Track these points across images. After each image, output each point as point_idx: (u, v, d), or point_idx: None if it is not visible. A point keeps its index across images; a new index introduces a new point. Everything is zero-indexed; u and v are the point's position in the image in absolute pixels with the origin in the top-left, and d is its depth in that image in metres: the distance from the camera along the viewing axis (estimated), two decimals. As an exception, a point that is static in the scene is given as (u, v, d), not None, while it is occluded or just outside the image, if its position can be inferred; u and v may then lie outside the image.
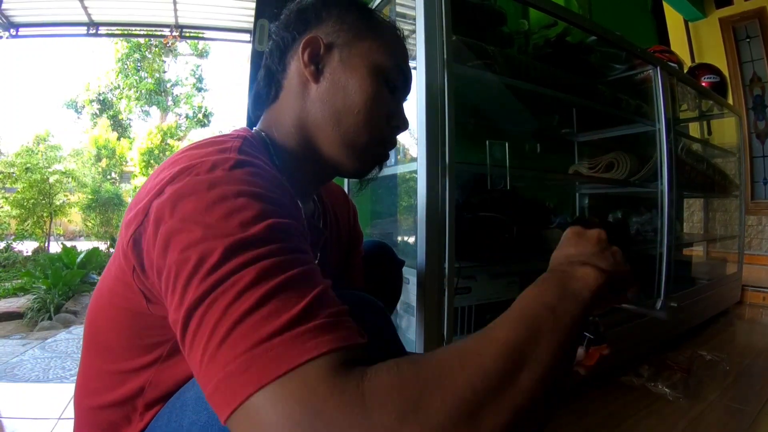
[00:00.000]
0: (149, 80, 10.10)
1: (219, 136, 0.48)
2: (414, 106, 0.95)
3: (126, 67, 10.01)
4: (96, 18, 4.99)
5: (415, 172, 0.97)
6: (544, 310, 0.34)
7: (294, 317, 0.31)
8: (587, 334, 0.52)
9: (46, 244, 5.98)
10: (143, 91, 10.06)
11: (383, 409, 0.26)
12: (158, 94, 10.23)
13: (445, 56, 0.97)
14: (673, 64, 1.88)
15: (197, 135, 10.95)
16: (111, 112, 10.08)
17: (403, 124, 0.61)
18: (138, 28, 6.24)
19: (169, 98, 10.63)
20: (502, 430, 0.27)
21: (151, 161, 8.89)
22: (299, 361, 0.28)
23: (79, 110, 10.20)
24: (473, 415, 0.26)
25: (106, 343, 0.48)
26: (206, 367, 0.31)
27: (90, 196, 7.27)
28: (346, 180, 1.33)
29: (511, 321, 0.33)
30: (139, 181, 8.70)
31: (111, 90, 10.20)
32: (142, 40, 9.63)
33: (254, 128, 0.60)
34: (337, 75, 0.56)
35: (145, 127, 9.84)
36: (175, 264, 0.35)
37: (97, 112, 10.04)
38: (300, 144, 0.57)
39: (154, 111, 10.54)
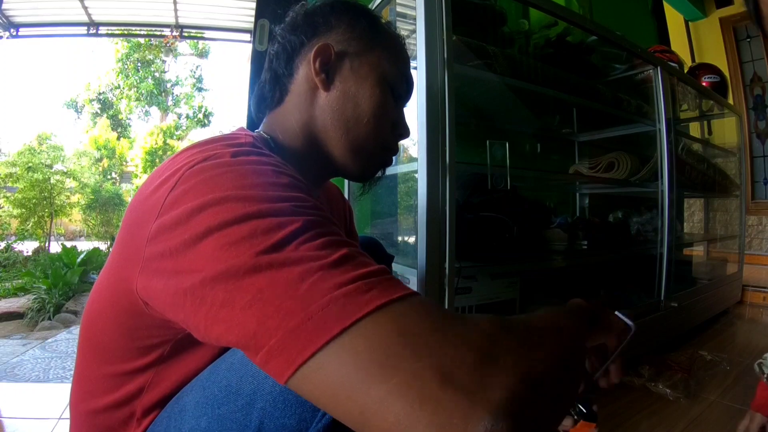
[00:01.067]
0: (149, 80, 10.11)
1: (226, 135, 0.48)
2: (414, 106, 0.95)
3: (126, 67, 10.02)
4: (96, 18, 5.00)
5: (416, 172, 0.97)
6: (559, 313, 0.41)
7: (381, 269, 0.33)
8: (581, 407, 0.54)
9: (47, 244, 5.98)
10: (144, 91, 10.07)
11: (484, 323, 0.31)
12: (158, 94, 10.23)
13: (445, 56, 0.96)
14: (673, 64, 1.88)
15: (197, 135, 10.97)
16: (111, 112, 10.08)
17: (405, 132, 0.64)
18: (138, 28, 6.26)
19: (169, 98, 10.64)
20: (559, 358, 0.32)
21: (156, 161, 8.89)
22: (404, 292, 0.31)
23: (80, 110, 10.20)
24: (541, 341, 0.32)
25: (103, 345, 0.47)
26: (306, 292, 0.29)
27: (91, 196, 7.28)
28: (345, 182, 1.33)
29: (538, 314, 0.39)
30: (140, 181, 8.70)
31: (111, 90, 10.20)
32: (142, 40, 9.64)
33: (256, 130, 0.60)
34: (348, 84, 0.57)
35: (145, 127, 9.86)
36: (218, 229, 0.33)
37: (98, 111, 10.04)
38: (305, 147, 0.58)
39: (154, 111, 10.54)
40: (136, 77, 10.08)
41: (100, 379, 0.48)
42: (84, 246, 5.46)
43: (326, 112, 0.57)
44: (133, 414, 0.47)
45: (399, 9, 1.20)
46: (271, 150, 0.54)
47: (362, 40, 0.59)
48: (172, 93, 10.70)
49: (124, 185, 9.00)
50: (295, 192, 0.37)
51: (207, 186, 0.35)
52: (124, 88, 10.14)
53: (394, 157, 0.67)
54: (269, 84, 0.61)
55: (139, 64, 10.06)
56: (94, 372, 0.49)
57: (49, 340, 2.23)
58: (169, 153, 9.13)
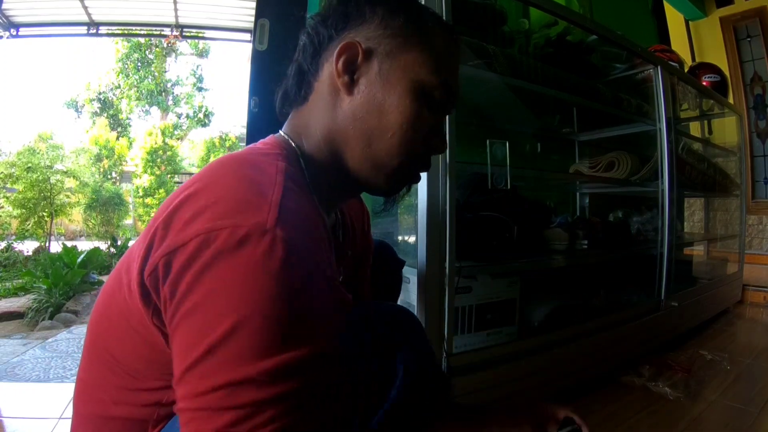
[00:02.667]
0: (150, 80, 10.11)
1: (257, 162, 0.43)
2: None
3: (126, 67, 10.02)
4: (96, 18, 5.00)
5: (416, 171, 0.97)
6: None
7: None
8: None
9: (47, 244, 5.98)
10: (144, 91, 10.07)
11: None
12: (158, 93, 10.23)
13: (445, 56, 0.96)
14: (673, 64, 1.88)
15: (197, 134, 10.98)
16: (111, 112, 10.08)
17: (441, 145, 0.55)
18: (138, 28, 6.25)
19: (170, 98, 10.64)
20: None
21: (157, 160, 8.89)
22: None
23: (80, 110, 10.21)
24: None
25: (115, 360, 0.45)
26: None
27: (91, 196, 7.28)
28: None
29: None
30: (140, 181, 8.70)
31: (112, 90, 10.20)
32: (142, 40, 9.64)
33: (282, 131, 0.55)
34: (374, 90, 0.50)
35: (145, 127, 9.86)
36: (180, 362, 0.36)
37: (97, 111, 10.04)
38: (328, 158, 0.52)
39: (155, 111, 10.55)
40: (137, 77, 10.08)
41: (108, 389, 0.46)
42: (84, 246, 5.45)
43: (348, 120, 0.50)
44: (146, 421, 0.45)
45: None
46: (299, 162, 0.51)
47: (397, 38, 0.50)
48: (173, 93, 10.71)
49: (124, 185, 9.01)
50: (260, 340, 0.34)
51: (190, 294, 0.36)
52: (124, 87, 10.15)
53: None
54: (294, 78, 0.54)
55: (139, 64, 10.06)
56: (101, 381, 0.47)
57: (50, 340, 2.24)
58: (168, 153, 9.14)
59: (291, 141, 0.52)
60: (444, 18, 0.96)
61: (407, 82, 0.50)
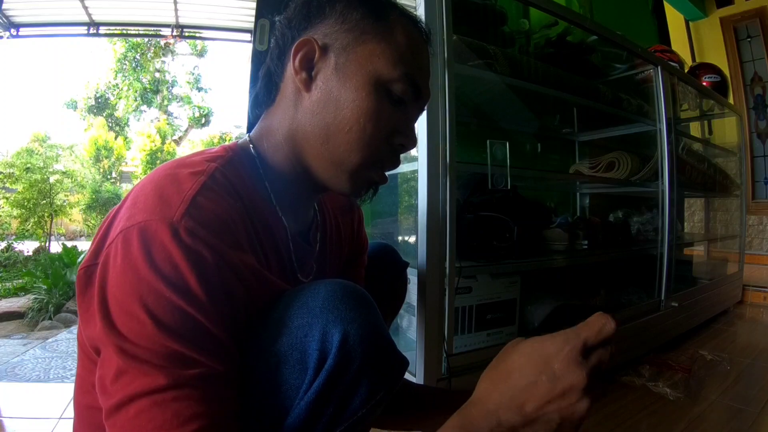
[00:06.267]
0: (148, 80, 10.11)
1: (193, 163, 0.46)
2: (415, 106, 0.95)
3: (125, 67, 10.02)
4: (96, 18, 5.00)
5: (416, 171, 0.97)
6: None
7: None
8: None
9: (47, 244, 5.98)
10: (141, 91, 10.07)
11: None
12: (156, 93, 10.24)
13: (445, 56, 0.96)
14: (674, 64, 1.88)
15: (197, 135, 10.99)
16: (109, 111, 10.09)
17: (408, 142, 0.54)
18: (138, 28, 6.25)
19: (168, 98, 10.64)
20: None
21: (156, 162, 8.91)
22: None
23: (78, 110, 10.21)
24: None
25: (83, 344, 0.47)
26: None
27: (91, 196, 7.29)
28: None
29: None
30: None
31: (110, 90, 10.21)
32: (141, 40, 9.65)
33: (247, 136, 0.56)
34: (330, 85, 0.49)
35: (143, 127, 9.88)
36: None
37: (95, 111, 10.04)
38: (289, 159, 0.53)
39: (153, 111, 10.55)
40: (134, 77, 10.09)
41: (91, 379, 0.46)
42: (84, 246, 5.45)
43: (307, 117, 0.50)
44: None
45: (399, 9, 1.20)
46: (254, 164, 0.52)
47: (354, 31, 0.50)
48: (170, 92, 10.71)
49: (123, 185, 9.02)
50: (143, 317, 0.37)
51: (105, 283, 0.40)
52: (122, 87, 10.15)
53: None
54: (263, 80, 0.56)
55: (137, 64, 10.06)
56: (86, 371, 0.48)
57: (50, 340, 2.23)
58: (168, 156, 9.17)
59: (251, 144, 0.54)
60: (444, 17, 0.96)
61: (363, 74, 0.49)
